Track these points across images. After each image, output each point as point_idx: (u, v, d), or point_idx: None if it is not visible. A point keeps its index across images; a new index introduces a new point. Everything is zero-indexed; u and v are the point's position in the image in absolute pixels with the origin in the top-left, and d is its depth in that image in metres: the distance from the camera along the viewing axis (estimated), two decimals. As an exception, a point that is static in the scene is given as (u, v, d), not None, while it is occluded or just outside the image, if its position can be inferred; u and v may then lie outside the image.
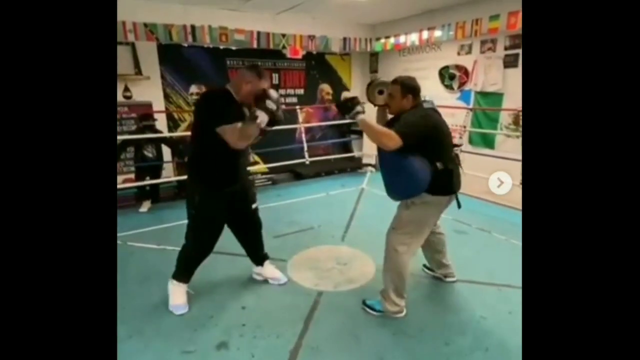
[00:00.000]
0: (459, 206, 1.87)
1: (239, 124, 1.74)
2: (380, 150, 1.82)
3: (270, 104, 1.74)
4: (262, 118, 1.73)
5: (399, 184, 1.79)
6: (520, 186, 3.22)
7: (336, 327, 1.88)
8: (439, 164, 1.73)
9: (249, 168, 4.65)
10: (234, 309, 2.04)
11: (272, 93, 1.79)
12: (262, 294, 2.19)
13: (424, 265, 2.36)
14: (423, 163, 1.69)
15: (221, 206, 1.95)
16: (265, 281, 2.29)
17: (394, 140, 1.63)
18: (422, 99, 1.85)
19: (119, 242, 2.94)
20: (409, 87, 1.80)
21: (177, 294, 2.03)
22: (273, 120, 1.82)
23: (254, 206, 2.14)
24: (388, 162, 1.82)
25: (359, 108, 1.75)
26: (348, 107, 1.77)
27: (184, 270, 2.04)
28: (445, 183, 1.77)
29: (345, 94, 1.77)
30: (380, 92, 1.93)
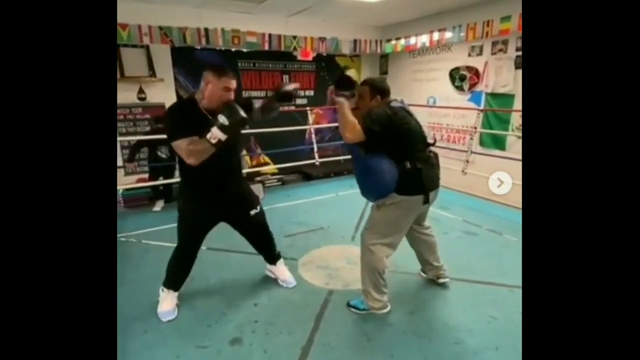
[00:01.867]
0: (426, 201, 1.82)
1: (188, 140, 1.61)
2: (352, 152, 1.85)
3: (222, 118, 1.58)
4: (214, 134, 1.58)
5: (369, 185, 1.81)
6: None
7: (347, 325, 1.90)
8: (407, 163, 1.73)
9: (258, 169, 4.77)
10: (247, 306, 2.08)
11: (230, 103, 1.66)
12: (274, 291, 2.23)
13: (421, 269, 2.34)
14: (390, 163, 1.71)
15: (202, 215, 1.87)
16: (277, 280, 2.33)
17: (355, 134, 1.66)
18: (393, 99, 1.84)
19: (133, 240, 3.02)
20: (377, 88, 1.80)
21: (166, 301, 1.99)
22: (282, 97, 1.73)
23: (252, 212, 2.05)
24: (358, 164, 1.85)
25: (348, 93, 1.74)
26: (345, 86, 1.75)
27: (171, 277, 2.00)
28: (415, 183, 1.75)
29: (349, 73, 1.74)
30: (353, 95, 1.94)
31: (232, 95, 1.74)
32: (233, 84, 1.73)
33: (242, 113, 1.61)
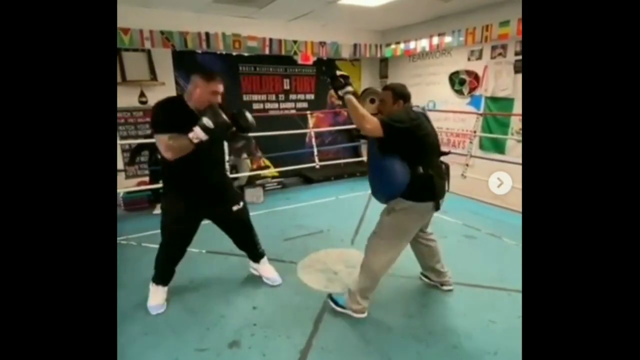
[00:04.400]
0: (437, 208, 1.87)
1: (169, 135, 1.68)
2: (368, 149, 1.89)
3: (207, 121, 1.65)
4: (197, 134, 1.65)
5: (380, 184, 1.85)
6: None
7: (345, 329, 1.90)
8: (419, 168, 1.75)
9: (259, 172, 4.78)
10: (245, 309, 2.08)
11: (214, 107, 1.72)
12: (272, 294, 2.23)
13: (421, 273, 2.35)
14: (403, 166, 1.73)
15: (182, 211, 1.90)
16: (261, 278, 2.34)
17: (373, 124, 1.67)
18: (415, 105, 1.88)
19: (133, 242, 3.03)
20: (400, 93, 1.85)
21: (155, 295, 2.06)
22: (241, 129, 1.77)
23: (235, 208, 2.10)
24: (372, 162, 1.88)
25: (349, 88, 1.77)
26: (340, 82, 1.77)
27: (158, 272, 2.06)
28: (425, 189, 1.77)
29: (340, 72, 1.80)
30: (372, 101, 1.95)
31: (219, 99, 1.81)
32: (220, 88, 1.81)
33: (225, 117, 1.70)
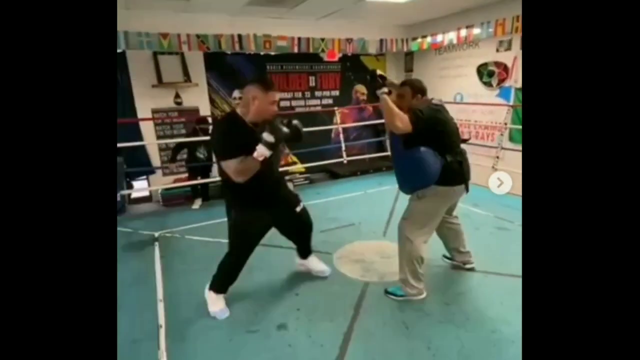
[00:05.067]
0: (467, 191, 2.02)
1: (237, 160, 1.67)
2: (393, 145, 2.00)
3: (268, 137, 1.63)
4: (261, 152, 1.64)
5: (412, 175, 1.95)
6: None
7: (385, 314, 2.00)
8: (448, 157, 1.88)
9: (287, 168, 4.91)
10: (289, 296, 2.21)
11: (272, 122, 1.69)
12: (312, 283, 2.35)
13: (444, 255, 2.48)
14: (435, 155, 1.85)
15: (255, 222, 1.91)
16: (309, 272, 2.43)
17: (404, 123, 1.79)
18: (432, 97, 2.00)
19: (177, 235, 3.23)
20: (418, 88, 1.98)
21: (216, 302, 2.03)
22: (294, 139, 1.76)
23: (298, 209, 2.13)
24: (399, 157, 1.99)
25: (385, 89, 1.89)
26: (379, 82, 1.90)
27: (221, 281, 2.04)
28: (457, 173, 1.92)
29: (379, 71, 1.91)
30: (388, 93, 2.04)
31: (276, 108, 1.79)
32: (277, 96, 1.78)
33: (283, 129, 1.69)
